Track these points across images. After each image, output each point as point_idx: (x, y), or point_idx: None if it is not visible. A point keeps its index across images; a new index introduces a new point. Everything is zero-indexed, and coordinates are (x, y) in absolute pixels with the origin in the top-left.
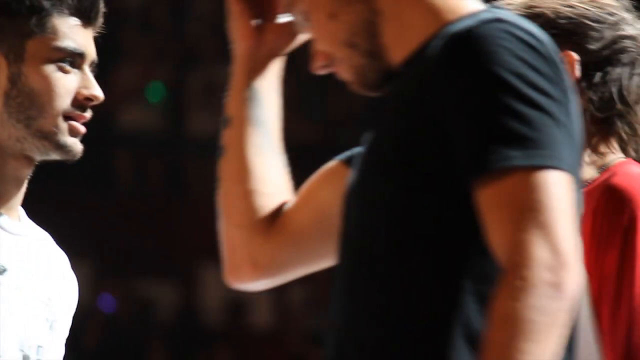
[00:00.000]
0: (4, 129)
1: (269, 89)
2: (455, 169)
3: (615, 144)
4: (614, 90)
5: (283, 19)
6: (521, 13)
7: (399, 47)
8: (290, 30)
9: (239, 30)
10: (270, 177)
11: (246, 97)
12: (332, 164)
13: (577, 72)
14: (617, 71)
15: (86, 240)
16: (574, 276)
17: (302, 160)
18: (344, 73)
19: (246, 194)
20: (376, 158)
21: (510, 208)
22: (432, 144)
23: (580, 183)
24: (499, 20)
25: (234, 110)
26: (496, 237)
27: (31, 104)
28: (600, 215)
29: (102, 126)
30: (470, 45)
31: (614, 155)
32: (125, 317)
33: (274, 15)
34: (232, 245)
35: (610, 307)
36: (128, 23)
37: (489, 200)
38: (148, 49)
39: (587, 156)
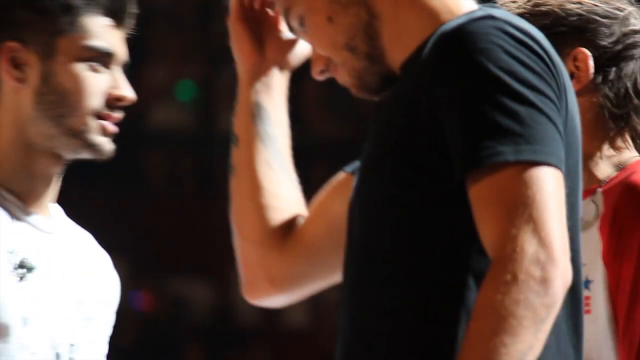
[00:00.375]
0: (35, 126)
1: (275, 105)
2: (451, 166)
3: (630, 140)
4: (629, 85)
5: (285, 35)
6: (528, 12)
7: (398, 49)
8: (292, 45)
9: (241, 49)
10: (281, 192)
11: (253, 115)
12: (339, 175)
13: (592, 68)
14: (630, 66)
15: (118, 240)
16: (562, 272)
17: (331, 157)
18: (343, 77)
19: (258, 209)
20: (376, 160)
21: (500, 203)
22: (429, 143)
23: (581, 180)
24: (491, 17)
25: (241, 128)
26: (486, 231)
27: (62, 102)
28: (619, 214)
29: (132, 125)
30: (462, 42)
31: (631, 153)
32: (160, 316)
33: (275, 32)
34: (248, 261)
35: (626, 307)
36: (157, 22)
37: (480, 195)
38: (177, 48)
39: (604, 152)
